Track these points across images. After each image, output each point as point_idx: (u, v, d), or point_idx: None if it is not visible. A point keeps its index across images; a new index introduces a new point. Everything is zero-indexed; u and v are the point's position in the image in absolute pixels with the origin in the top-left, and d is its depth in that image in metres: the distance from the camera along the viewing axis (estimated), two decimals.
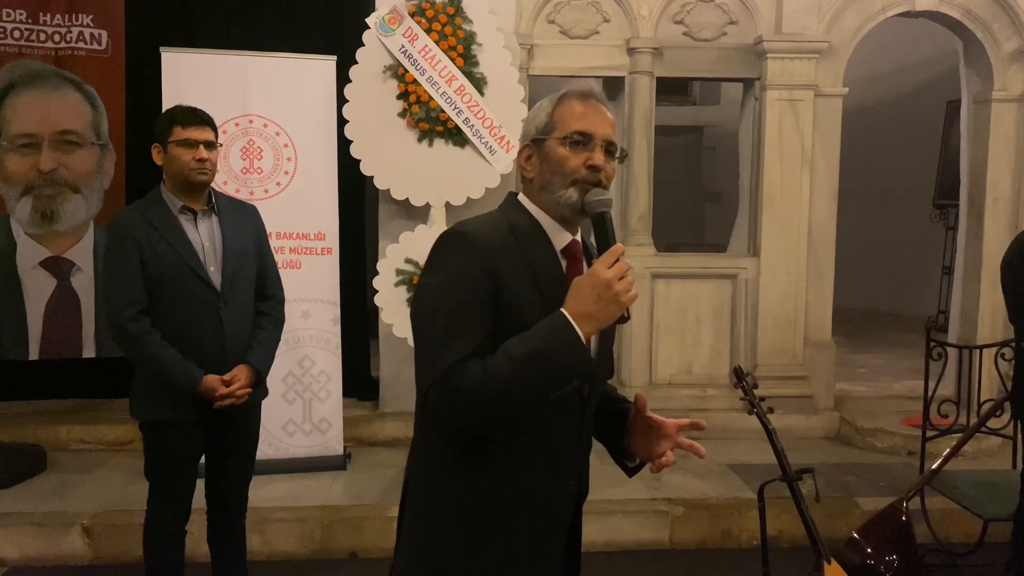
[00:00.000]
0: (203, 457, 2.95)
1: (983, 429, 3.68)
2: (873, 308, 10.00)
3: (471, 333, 1.48)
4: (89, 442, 4.97)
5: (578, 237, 1.68)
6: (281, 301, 3.06)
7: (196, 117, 2.79)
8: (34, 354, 4.85)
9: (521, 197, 1.68)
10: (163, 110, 4.02)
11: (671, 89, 9.90)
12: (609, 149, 1.61)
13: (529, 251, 1.58)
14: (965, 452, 3.95)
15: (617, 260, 1.49)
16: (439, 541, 1.60)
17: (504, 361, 1.45)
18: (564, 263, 1.63)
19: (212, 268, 2.78)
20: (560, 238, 1.64)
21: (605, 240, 1.57)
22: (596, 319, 1.48)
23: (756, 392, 2.86)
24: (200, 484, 2.95)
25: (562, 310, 1.48)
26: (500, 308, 1.51)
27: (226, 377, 2.77)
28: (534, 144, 1.63)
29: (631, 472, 1.79)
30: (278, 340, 3.03)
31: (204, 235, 2.80)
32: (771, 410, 2.79)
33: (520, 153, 1.66)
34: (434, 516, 1.61)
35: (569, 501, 1.69)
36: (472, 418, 1.47)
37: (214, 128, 2.84)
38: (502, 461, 1.57)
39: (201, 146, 2.75)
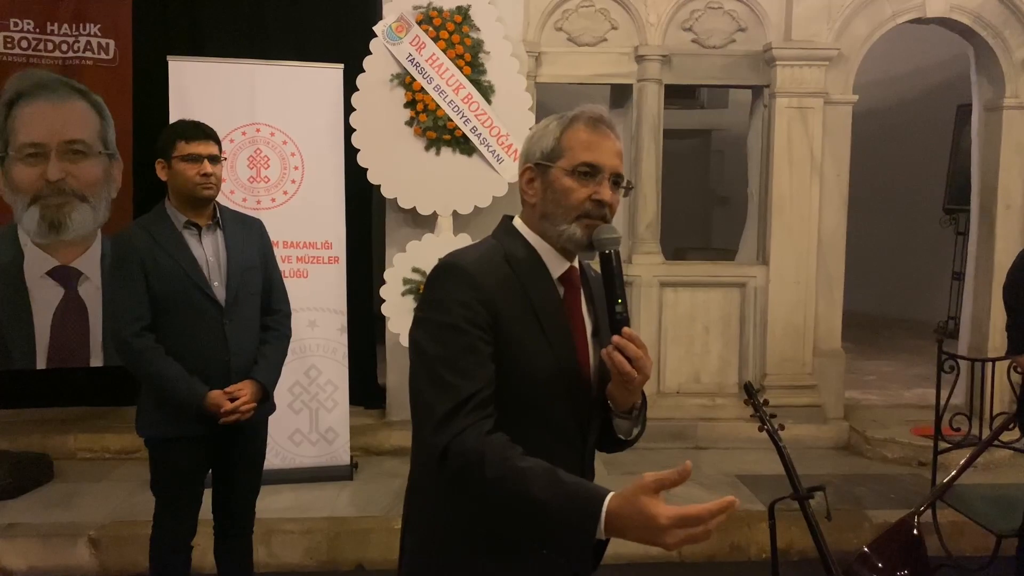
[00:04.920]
0: (210, 470, 2.94)
1: (995, 442, 3.64)
2: (883, 313, 9.96)
3: (477, 369, 1.44)
4: (96, 451, 4.96)
5: (576, 264, 1.65)
6: (287, 315, 3.04)
7: (199, 131, 2.77)
8: (41, 363, 4.85)
9: (517, 222, 1.64)
10: (170, 119, 4.04)
11: (679, 93, 9.86)
12: (616, 181, 1.57)
13: (527, 283, 1.55)
14: (977, 463, 3.91)
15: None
16: None
17: (519, 485, 1.34)
18: (561, 290, 1.61)
19: (216, 283, 2.77)
20: (558, 266, 1.60)
21: (612, 280, 1.54)
22: (627, 536, 1.29)
23: (767, 408, 2.83)
24: (207, 497, 2.94)
25: (604, 504, 1.29)
26: (499, 342, 1.48)
27: (230, 390, 2.75)
28: (537, 168, 1.58)
29: (626, 444, 1.68)
30: (284, 355, 3.01)
31: (208, 250, 2.79)
32: (782, 427, 2.76)
33: (521, 175, 1.61)
34: (440, 554, 1.58)
35: None
36: (478, 497, 1.41)
37: (218, 142, 2.82)
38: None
39: (205, 160, 2.73)
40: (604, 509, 1.28)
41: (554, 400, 1.56)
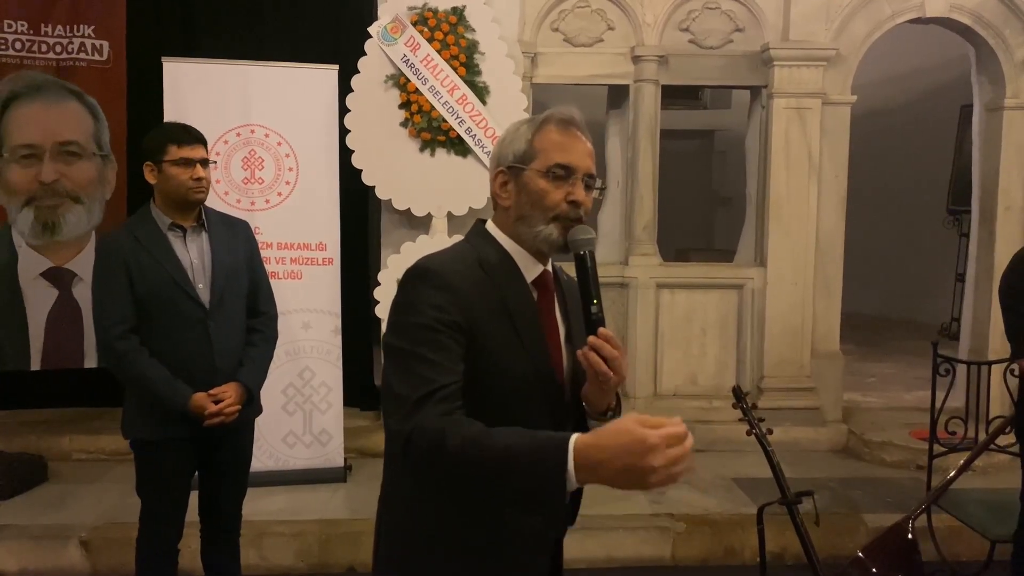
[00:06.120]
0: (196, 473, 2.93)
1: (991, 446, 3.61)
2: (886, 315, 9.90)
3: (448, 364, 1.43)
4: (91, 452, 4.96)
5: (549, 267, 1.64)
6: (274, 318, 3.02)
7: (190, 135, 2.76)
8: (36, 364, 4.85)
9: (490, 226, 1.63)
10: (164, 120, 4.03)
11: (681, 93, 9.84)
12: (588, 183, 1.57)
13: (501, 286, 1.54)
14: (974, 466, 3.87)
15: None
16: None
17: (483, 441, 1.32)
18: (535, 294, 1.60)
19: (200, 285, 2.75)
20: (532, 270, 1.60)
21: (587, 281, 1.53)
22: (604, 478, 1.22)
23: (757, 410, 2.81)
24: (194, 499, 2.93)
25: (571, 443, 1.24)
26: (473, 345, 1.47)
27: (214, 392, 2.73)
28: (510, 171, 1.58)
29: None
30: (270, 357, 2.99)
31: (193, 252, 2.77)
32: (770, 431, 2.73)
33: (494, 178, 1.61)
34: (411, 561, 1.57)
35: (549, 537, 1.65)
36: (445, 473, 1.38)
37: (206, 145, 2.82)
38: (476, 503, 1.50)
39: (198, 164, 2.73)
40: (571, 445, 1.23)
41: (528, 404, 1.55)
